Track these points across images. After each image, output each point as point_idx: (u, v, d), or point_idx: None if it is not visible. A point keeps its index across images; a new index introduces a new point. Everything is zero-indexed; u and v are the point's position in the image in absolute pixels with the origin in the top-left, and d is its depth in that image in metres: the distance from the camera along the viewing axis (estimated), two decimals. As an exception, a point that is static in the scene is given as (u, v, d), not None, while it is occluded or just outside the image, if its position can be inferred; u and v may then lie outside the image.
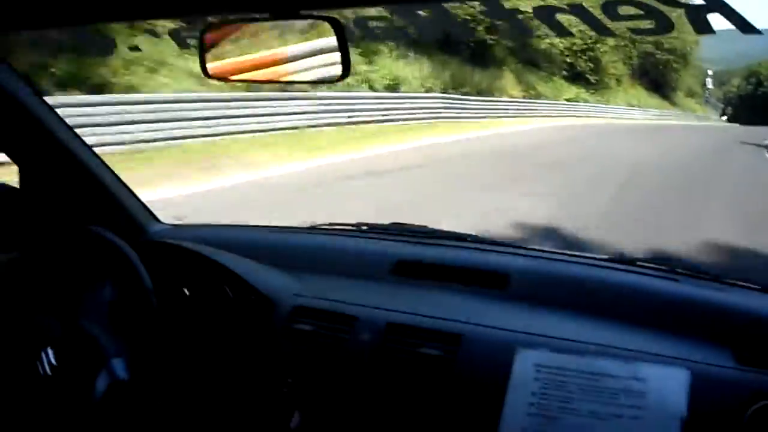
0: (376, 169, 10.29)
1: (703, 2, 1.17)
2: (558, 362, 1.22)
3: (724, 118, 73.29)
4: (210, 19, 1.10)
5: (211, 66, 1.11)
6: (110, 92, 10.63)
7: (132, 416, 1.36)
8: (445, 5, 1.03)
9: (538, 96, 28.43)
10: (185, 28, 1.54)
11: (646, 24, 0.86)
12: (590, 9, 0.88)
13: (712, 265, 4.80)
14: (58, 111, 1.63)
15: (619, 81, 39.43)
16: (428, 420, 1.27)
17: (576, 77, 32.77)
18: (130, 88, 11.16)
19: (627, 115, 36.05)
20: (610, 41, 33.34)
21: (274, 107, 13.25)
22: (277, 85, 16.77)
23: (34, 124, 1.58)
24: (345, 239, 1.97)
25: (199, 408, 1.45)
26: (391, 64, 19.23)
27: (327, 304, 1.49)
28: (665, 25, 0.87)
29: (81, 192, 1.71)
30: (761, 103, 77.24)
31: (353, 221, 2.00)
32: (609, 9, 0.86)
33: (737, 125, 53.05)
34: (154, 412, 1.45)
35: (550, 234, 6.41)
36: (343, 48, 0.99)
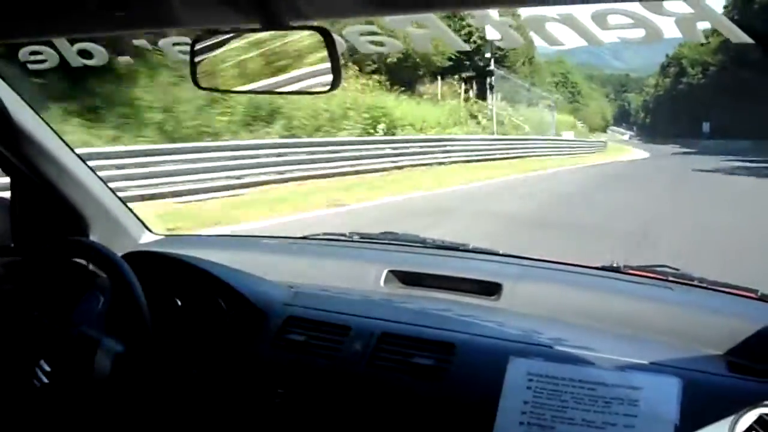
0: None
1: (692, 10, 1.18)
2: (551, 371, 1.21)
3: (591, 139, 43.82)
4: (201, 29, 1.10)
5: (201, 77, 1.11)
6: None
7: (137, 386, 1.36)
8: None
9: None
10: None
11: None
12: None
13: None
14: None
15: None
16: (422, 429, 1.27)
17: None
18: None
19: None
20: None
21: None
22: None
23: (26, 136, 1.57)
24: (337, 249, 1.97)
25: (192, 418, 1.44)
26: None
27: (319, 314, 1.48)
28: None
29: (73, 203, 1.70)
30: (688, 100, 55.20)
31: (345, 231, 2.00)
32: None
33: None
34: (150, 411, 1.44)
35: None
36: (333, 59, 0.99)
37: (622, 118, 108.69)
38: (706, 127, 49.36)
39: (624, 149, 40.86)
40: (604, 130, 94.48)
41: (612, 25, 1.56)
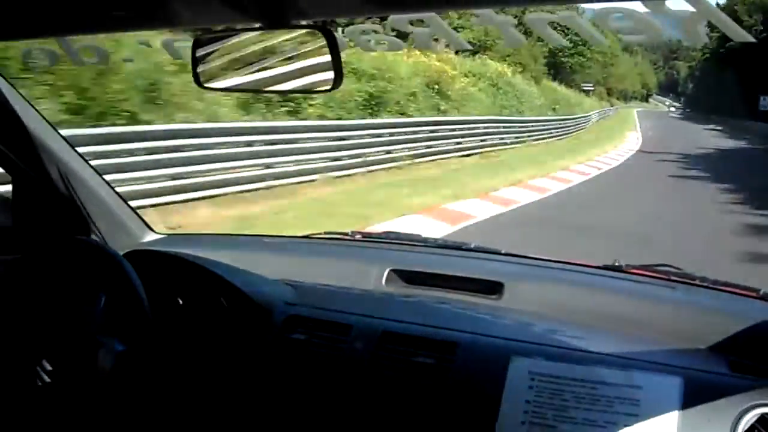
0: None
1: (693, 9, 1.18)
2: (553, 370, 1.21)
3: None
4: (203, 29, 1.11)
5: (203, 76, 1.11)
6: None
7: (133, 385, 1.37)
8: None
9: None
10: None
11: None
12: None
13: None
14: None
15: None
16: (424, 428, 1.27)
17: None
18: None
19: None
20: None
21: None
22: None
23: (28, 134, 1.58)
24: (339, 248, 1.97)
25: (193, 417, 1.44)
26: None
27: (321, 313, 1.48)
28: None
29: (74, 202, 1.70)
30: (741, 62, 37.16)
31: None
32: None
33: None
34: (151, 410, 1.44)
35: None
36: (335, 57, 0.99)
37: (670, 87, 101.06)
38: (765, 102, 33.49)
39: (601, 136, 24.12)
40: (645, 99, 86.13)
41: (613, 27, 1.56)
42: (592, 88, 44.86)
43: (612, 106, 49.14)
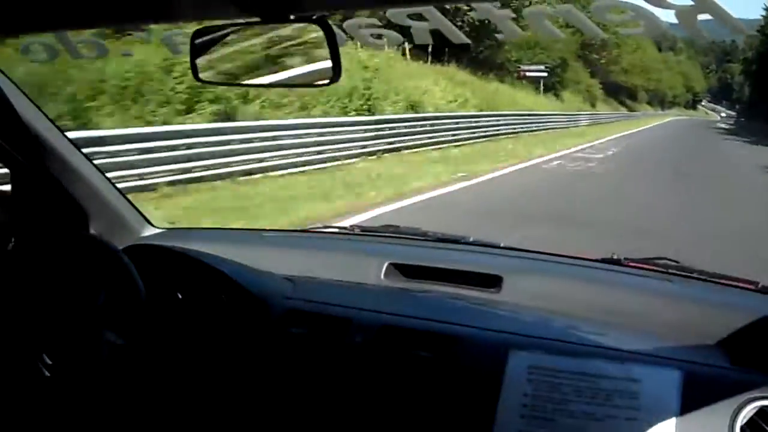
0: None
1: (693, 2, 1.17)
2: (552, 364, 1.22)
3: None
4: (200, 23, 1.10)
5: (202, 70, 1.11)
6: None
7: (132, 380, 1.37)
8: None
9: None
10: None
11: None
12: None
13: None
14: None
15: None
16: (422, 422, 1.27)
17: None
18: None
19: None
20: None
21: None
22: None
23: (26, 129, 1.57)
24: (337, 242, 1.97)
25: (192, 411, 1.45)
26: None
27: (320, 307, 1.48)
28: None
29: (73, 196, 1.70)
30: None
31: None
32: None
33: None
34: (149, 404, 1.45)
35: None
36: (333, 51, 0.99)
37: (724, 93, 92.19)
38: None
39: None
40: (692, 105, 73.79)
41: (611, 20, 1.55)
42: (544, 75, 28.21)
43: (632, 111, 37.53)
